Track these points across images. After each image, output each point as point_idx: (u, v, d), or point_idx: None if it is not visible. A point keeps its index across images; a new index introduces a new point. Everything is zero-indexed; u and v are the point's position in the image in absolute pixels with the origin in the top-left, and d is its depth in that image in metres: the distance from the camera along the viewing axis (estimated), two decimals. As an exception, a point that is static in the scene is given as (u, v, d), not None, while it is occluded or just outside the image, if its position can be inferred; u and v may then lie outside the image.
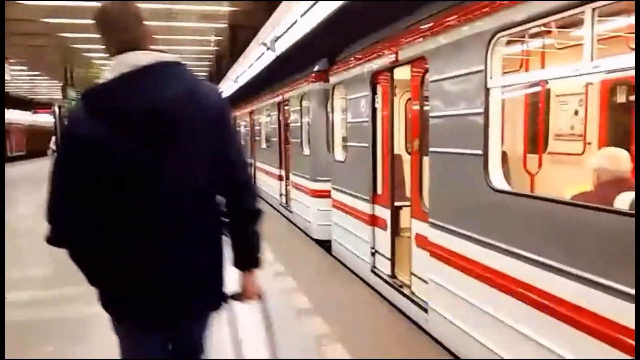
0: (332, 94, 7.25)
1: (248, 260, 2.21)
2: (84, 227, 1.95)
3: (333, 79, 7.17)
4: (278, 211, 11.28)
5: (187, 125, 1.97)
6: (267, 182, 12.96)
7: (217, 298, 2.21)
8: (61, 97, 24.23)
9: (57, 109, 22.89)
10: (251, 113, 15.42)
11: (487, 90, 3.46)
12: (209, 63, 23.65)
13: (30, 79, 29.70)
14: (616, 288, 2.49)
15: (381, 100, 5.58)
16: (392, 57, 5.05)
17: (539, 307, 3.00)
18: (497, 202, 3.42)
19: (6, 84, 28.25)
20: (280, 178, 11.25)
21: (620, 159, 2.95)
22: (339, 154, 7.10)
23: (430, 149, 4.28)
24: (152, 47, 2.06)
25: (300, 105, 9.04)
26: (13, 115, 35.63)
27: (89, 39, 17.46)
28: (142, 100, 1.91)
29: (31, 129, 39.41)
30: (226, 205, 2.16)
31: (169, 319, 2.11)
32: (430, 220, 4.29)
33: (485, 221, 3.55)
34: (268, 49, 9.92)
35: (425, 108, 4.66)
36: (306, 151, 8.76)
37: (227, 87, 18.45)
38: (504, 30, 3.29)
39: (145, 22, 2.07)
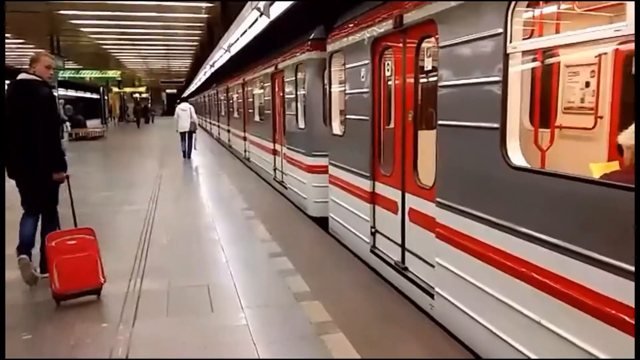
0: (330, 63, 6.84)
1: (57, 167, 4.94)
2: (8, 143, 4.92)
3: (330, 47, 6.75)
4: (272, 186, 10.94)
5: (30, 104, 4.78)
6: (260, 157, 12.59)
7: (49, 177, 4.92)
8: None
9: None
10: (244, 84, 14.94)
11: (506, 55, 3.10)
12: (200, 32, 22.66)
13: (17, 48, 28.30)
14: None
15: (392, 69, 5.17)
16: (393, 21, 4.66)
17: (563, 297, 2.72)
18: (516, 180, 3.09)
19: None
20: (274, 152, 10.88)
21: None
22: (337, 128, 6.74)
23: (439, 122, 3.93)
24: (38, 69, 4.98)
25: (296, 76, 8.61)
26: None
27: (75, 5, 16.66)
28: (21, 91, 4.93)
29: None
30: (47, 142, 4.86)
31: (26, 178, 4.96)
32: (438, 199, 3.97)
33: (502, 202, 3.23)
34: (262, 14, 9.32)
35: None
36: (301, 124, 8.38)
37: (219, 56, 17.86)
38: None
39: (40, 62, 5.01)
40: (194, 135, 16.52)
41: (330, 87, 7.01)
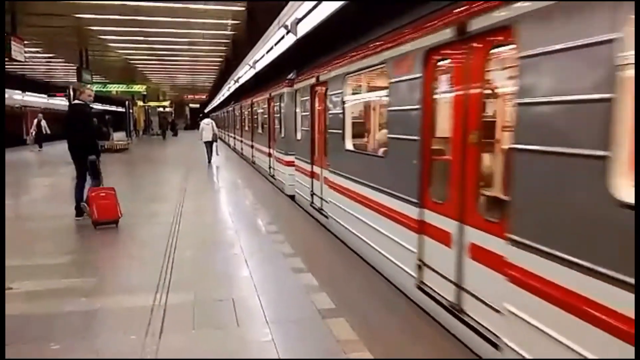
0: (294, 95, 11.03)
1: (92, 153, 8.71)
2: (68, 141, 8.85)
3: (296, 86, 10.95)
4: (268, 180, 15.07)
5: (79, 116, 8.64)
6: (261, 159, 16.80)
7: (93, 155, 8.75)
8: (76, 80, 23.16)
9: (71, 92, 19.40)
10: (252, 104, 19.21)
11: (344, 102, 7.21)
12: (225, 48, 22.71)
13: (46, 62, 29.27)
14: (385, 191, 6.22)
15: (317, 101, 9.30)
16: (315, 79, 8.84)
17: (358, 200, 6.77)
18: (348, 155, 7.18)
19: (21, 66, 27.60)
20: (269, 155, 15.06)
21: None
22: (299, 135, 10.88)
23: (328, 130, 8.04)
24: (83, 97, 8.84)
25: (280, 102, 12.79)
26: (29, 99, 36.27)
27: (105, 21, 17.29)
28: (73, 110, 8.93)
29: (47, 113, 37.65)
30: (86, 139, 8.66)
31: (80, 157, 8.69)
32: (329, 168, 8.06)
33: (343, 165, 7.32)
34: (288, 32, 9.94)
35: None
36: (282, 134, 12.55)
37: (243, 72, 19.95)
38: (348, 74, 7.03)
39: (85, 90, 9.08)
40: (215, 144, 20.14)
41: (296, 110, 11.16)
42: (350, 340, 4.12)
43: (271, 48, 13.10)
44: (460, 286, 4.19)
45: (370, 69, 6.27)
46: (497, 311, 3.59)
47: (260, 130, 17.20)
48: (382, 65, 5.78)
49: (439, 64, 4.56)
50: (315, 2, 8.27)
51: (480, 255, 3.88)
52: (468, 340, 4.07)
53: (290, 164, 11.93)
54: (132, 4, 14.96)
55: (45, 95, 37.75)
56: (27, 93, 35.91)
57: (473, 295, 4.01)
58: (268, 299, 5.04)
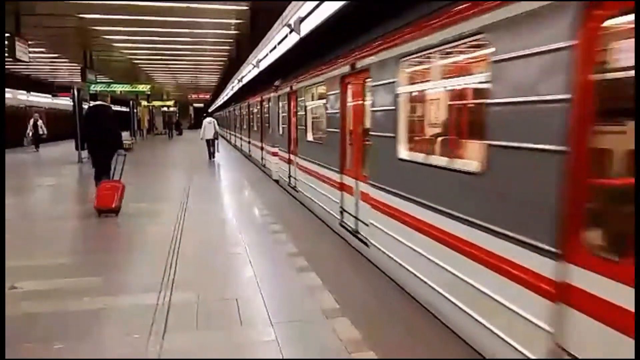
0: (278, 99, 13.94)
1: (119, 147, 10.21)
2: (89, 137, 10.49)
3: (279, 92, 13.85)
4: (261, 169, 17.96)
5: (103, 117, 10.30)
6: (255, 152, 19.74)
7: (113, 152, 10.14)
8: (80, 80, 23.35)
9: (76, 92, 20.33)
10: (248, 105, 22.12)
11: (305, 106, 10.06)
12: (229, 47, 22.25)
13: (51, 62, 28.53)
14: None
15: (292, 105, 12.17)
16: (289, 87, 11.72)
17: (312, 174, 9.63)
18: (308, 144, 10.03)
19: (26, 66, 27.12)
20: (261, 149, 17.98)
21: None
22: (281, 131, 13.77)
23: (298, 127, 10.90)
24: (105, 100, 11.58)
25: (269, 104, 15.67)
26: (33, 99, 36.06)
27: (109, 21, 17.18)
28: (95, 111, 10.59)
29: (51, 113, 38.10)
30: (115, 135, 10.28)
31: (100, 154, 10.17)
32: (298, 155, 10.92)
33: (307, 152, 10.17)
34: (292, 31, 10.14)
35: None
36: (270, 131, 15.43)
37: (247, 71, 21.15)
38: (307, 86, 9.88)
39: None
40: (216, 141, 21.52)
41: (279, 111, 14.05)
42: (353, 339, 4.15)
43: (274, 47, 14.02)
44: (357, 218, 7.08)
45: (318, 84, 9.15)
46: (367, 225, 6.47)
47: (255, 128, 20.11)
48: (323, 82, 8.65)
49: (348, 85, 7.44)
50: (317, 2, 8.59)
51: (363, 196, 6.76)
52: (360, 249, 6.93)
53: (275, 154, 14.82)
54: (136, 4, 14.66)
55: (50, 95, 37.92)
56: (31, 93, 35.71)
57: (361, 220, 6.89)
58: (272, 299, 5.09)
